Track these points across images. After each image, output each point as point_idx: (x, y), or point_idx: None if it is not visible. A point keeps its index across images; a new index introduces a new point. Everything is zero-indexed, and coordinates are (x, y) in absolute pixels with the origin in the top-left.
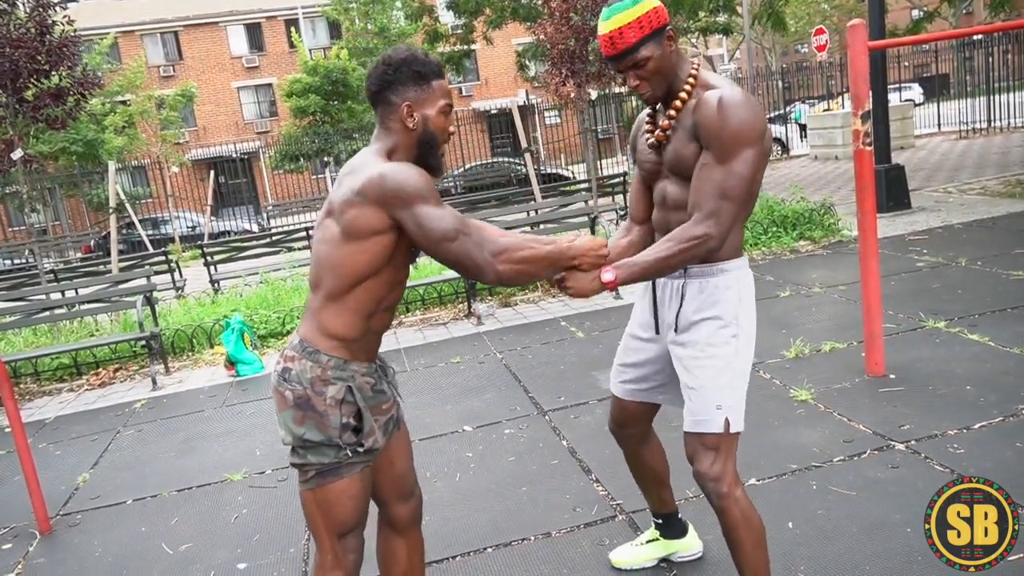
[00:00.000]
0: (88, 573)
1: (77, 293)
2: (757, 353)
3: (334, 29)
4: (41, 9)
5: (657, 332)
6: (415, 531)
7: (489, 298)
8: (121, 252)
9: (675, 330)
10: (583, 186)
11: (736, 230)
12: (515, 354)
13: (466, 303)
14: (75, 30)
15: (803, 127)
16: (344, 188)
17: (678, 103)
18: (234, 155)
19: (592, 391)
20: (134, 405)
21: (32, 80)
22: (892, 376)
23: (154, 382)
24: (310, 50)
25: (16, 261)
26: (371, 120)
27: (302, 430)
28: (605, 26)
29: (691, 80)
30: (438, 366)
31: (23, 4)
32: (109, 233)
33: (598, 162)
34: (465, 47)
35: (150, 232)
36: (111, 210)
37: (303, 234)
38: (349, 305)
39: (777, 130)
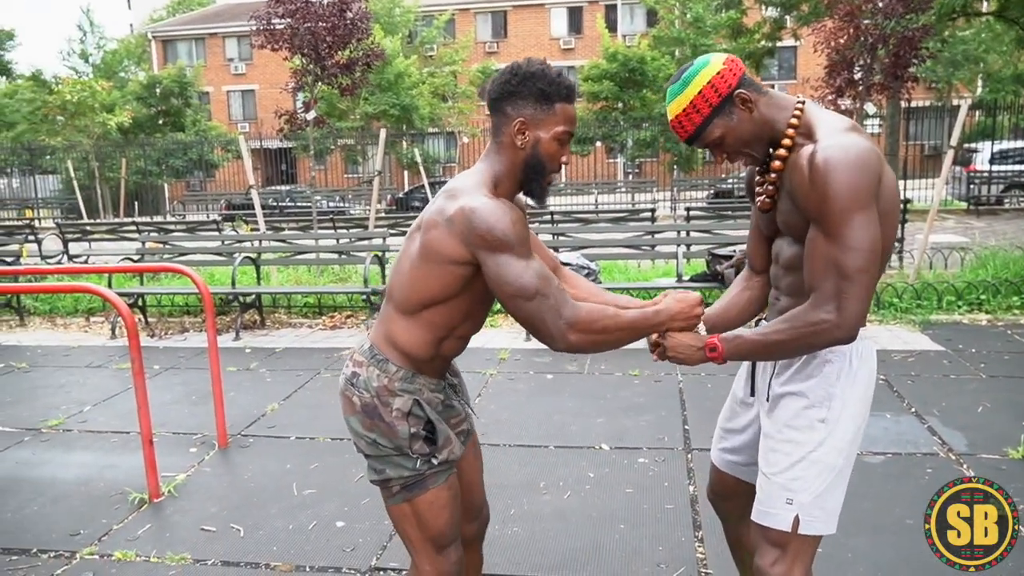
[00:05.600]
0: (231, 491)
1: (352, 241)
2: (970, 441)
3: (651, 16)
4: None
5: (752, 394)
6: (475, 550)
7: None
8: (418, 209)
9: (766, 399)
10: None
11: None
12: (697, 379)
13: None
14: (368, 5)
15: None
16: (436, 207)
17: (777, 163)
18: None
19: None
20: (343, 351)
21: (328, 51)
22: None
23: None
24: (624, 36)
25: (331, 204)
26: (661, 110)
27: (372, 435)
28: (669, 112)
29: (791, 132)
30: (614, 375)
31: None
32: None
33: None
34: (770, 44)
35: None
36: (377, 172)
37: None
38: (420, 324)
39: None
